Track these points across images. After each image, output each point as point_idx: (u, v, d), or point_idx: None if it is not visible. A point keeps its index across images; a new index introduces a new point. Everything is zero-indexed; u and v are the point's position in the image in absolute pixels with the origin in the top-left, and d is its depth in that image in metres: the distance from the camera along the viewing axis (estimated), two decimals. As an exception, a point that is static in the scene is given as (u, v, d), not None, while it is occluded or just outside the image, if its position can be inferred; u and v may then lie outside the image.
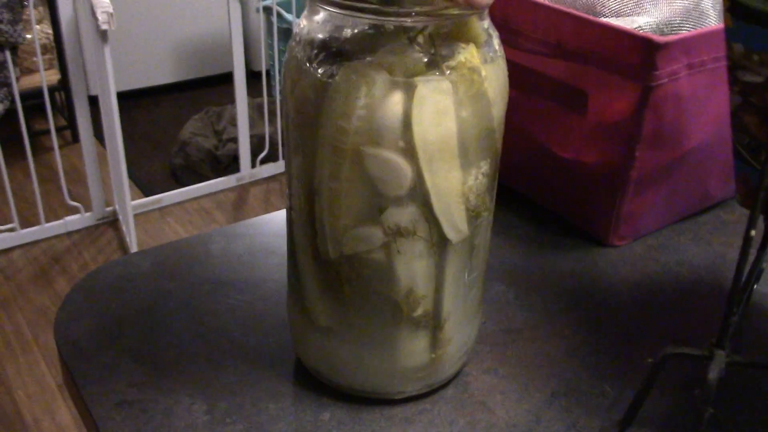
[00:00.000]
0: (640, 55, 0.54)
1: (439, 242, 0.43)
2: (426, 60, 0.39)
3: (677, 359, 0.44)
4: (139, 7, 2.94)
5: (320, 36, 0.41)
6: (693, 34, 0.55)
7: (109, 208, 2.26)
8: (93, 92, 2.37)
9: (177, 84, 3.16)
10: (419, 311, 0.44)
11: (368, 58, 0.39)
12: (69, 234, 2.20)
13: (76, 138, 2.61)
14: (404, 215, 0.41)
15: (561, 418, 0.48)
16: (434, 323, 0.46)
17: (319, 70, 0.40)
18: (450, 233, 0.42)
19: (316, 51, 0.40)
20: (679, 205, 0.66)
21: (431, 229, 0.42)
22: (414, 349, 0.46)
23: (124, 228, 2.14)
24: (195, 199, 2.41)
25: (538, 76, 0.63)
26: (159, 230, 2.24)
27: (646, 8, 0.60)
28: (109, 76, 1.78)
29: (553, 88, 0.62)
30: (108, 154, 2.13)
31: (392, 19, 0.38)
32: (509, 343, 0.54)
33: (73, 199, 2.19)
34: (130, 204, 2.01)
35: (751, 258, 0.53)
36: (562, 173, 0.65)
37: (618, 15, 0.61)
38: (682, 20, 0.61)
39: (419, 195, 0.40)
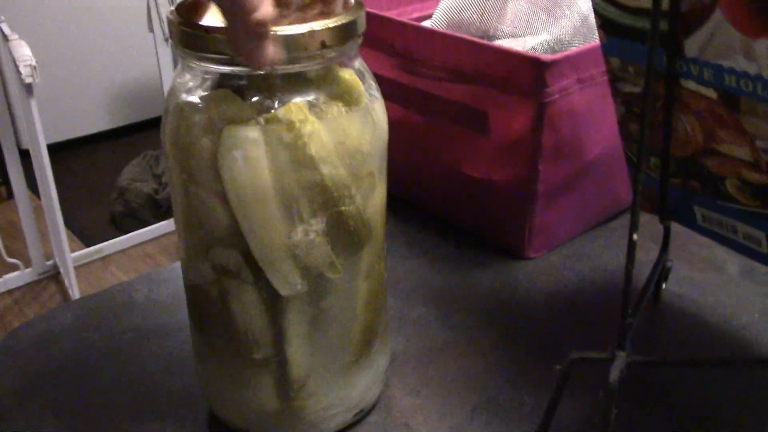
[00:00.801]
0: (530, 74, 0.57)
1: (272, 293, 0.43)
2: (246, 108, 0.40)
3: (584, 364, 0.45)
4: (67, 55, 2.91)
5: (187, 83, 0.42)
6: (579, 50, 0.58)
7: (50, 262, 2.22)
8: (25, 146, 2.34)
9: (112, 131, 3.13)
10: (258, 354, 0.45)
11: (198, 103, 0.41)
12: (10, 292, 2.16)
13: (11, 194, 2.56)
14: (228, 257, 0.42)
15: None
16: (281, 371, 0.45)
17: (172, 110, 0.42)
18: (278, 285, 0.42)
19: (182, 95, 0.42)
20: (589, 213, 0.69)
21: (259, 276, 0.42)
22: (259, 392, 0.46)
23: (66, 281, 2.10)
24: (138, 245, 2.38)
25: (441, 101, 0.65)
26: (102, 280, 2.21)
27: (537, 29, 0.63)
28: (38, 128, 1.76)
29: (457, 111, 0.64)
30: (43, 208, 2.11)
31: (213, 66, 0.40)
32: (431, 362, 0.55)
33: (12, 256, 2.15)
34: (70, 256, 1.99)
35: (644, 259, 0.55)
36: (474, 192, 0.67)
37: (512, 36, 0.64)
38: (572, 37, 0.63)
39: (240, 240, 0.41)
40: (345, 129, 0.41)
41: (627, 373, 0.44)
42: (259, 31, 0.36)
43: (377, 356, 0.50)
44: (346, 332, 0.46)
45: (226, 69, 0.39)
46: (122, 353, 0.57)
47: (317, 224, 0.41)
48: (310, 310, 0.44)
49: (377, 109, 0.44)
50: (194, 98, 0.41)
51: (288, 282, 0.42)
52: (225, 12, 0.37)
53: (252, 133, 0.39)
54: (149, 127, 3.14)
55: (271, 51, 0.37)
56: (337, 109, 0.41)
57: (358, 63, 0.44)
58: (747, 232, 0.48)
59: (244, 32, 0.36)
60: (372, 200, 0.44)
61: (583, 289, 0.63)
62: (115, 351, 0.57)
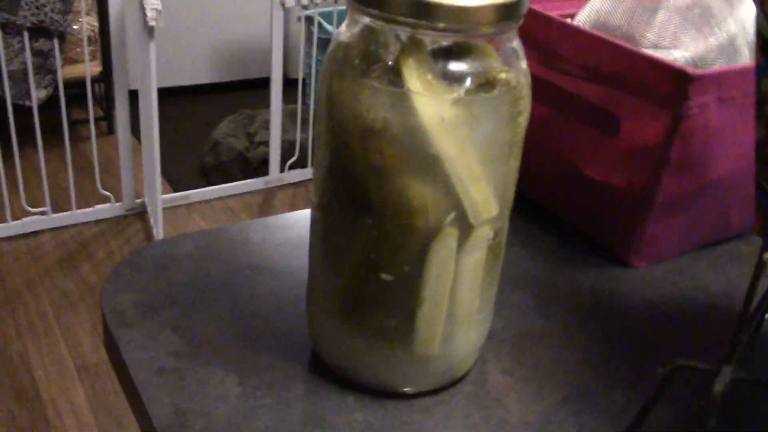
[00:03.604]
0: (673, 84, 0.57)
1: None
2: None
3: (686, 372, 0.46)
4: (184, 5, 3.00)
5: (354, 43, 0.44)
6: (725, 69, 0.58)
7: (139, 200, 2.31)
8: (132, 86, 2.43)
9: (214, 85, 3.22)
10: None
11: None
12: (98, 222, 2.26)
13: (111, 129, 2.67)
14: None
15: (571, 421, 0.51)
16: None
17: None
18: None
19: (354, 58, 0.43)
20: (700, 232, 0.69)
21: None
22: None
23: (151, 220, 2.18)
24: (222, 198, 2.46)
25: (574, 98, 0.66)
26: (184, 225, 2.29)
27: (683, 42, 0.63)
28: (152, 72, 1.83)
29: (588, 110, 0.65)
30: (142, 148, 2.19)
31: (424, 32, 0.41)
32: (527, 347, 0.57)
33: (105, 189, 2.24)
34: (161, 198, 2.06)
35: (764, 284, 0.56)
36: (590, 192, 0.68)
37: (655, 47, 0.64)
38: (716, 56, 0.63)
39: None
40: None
41: (729, 389, 0.45)
42: None
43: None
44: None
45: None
46: (236, 287, 0.60)
47: (325, 158, 0.46)
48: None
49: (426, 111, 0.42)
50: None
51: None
52: None
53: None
54: (250, 86, 3.22)
55: None
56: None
57: (516, 43, 0.45)
58: None
59: None
60: (385, 178, 0.44)
61: (684, 305, 0.63)
62: (230, 284, 0.60)
